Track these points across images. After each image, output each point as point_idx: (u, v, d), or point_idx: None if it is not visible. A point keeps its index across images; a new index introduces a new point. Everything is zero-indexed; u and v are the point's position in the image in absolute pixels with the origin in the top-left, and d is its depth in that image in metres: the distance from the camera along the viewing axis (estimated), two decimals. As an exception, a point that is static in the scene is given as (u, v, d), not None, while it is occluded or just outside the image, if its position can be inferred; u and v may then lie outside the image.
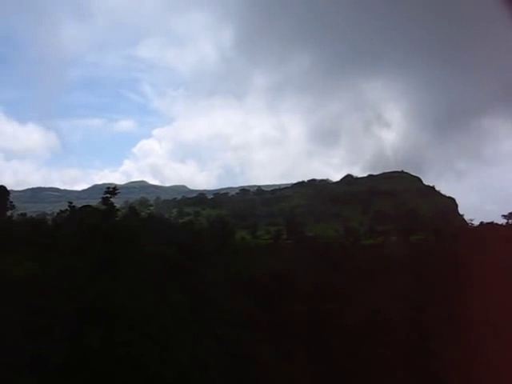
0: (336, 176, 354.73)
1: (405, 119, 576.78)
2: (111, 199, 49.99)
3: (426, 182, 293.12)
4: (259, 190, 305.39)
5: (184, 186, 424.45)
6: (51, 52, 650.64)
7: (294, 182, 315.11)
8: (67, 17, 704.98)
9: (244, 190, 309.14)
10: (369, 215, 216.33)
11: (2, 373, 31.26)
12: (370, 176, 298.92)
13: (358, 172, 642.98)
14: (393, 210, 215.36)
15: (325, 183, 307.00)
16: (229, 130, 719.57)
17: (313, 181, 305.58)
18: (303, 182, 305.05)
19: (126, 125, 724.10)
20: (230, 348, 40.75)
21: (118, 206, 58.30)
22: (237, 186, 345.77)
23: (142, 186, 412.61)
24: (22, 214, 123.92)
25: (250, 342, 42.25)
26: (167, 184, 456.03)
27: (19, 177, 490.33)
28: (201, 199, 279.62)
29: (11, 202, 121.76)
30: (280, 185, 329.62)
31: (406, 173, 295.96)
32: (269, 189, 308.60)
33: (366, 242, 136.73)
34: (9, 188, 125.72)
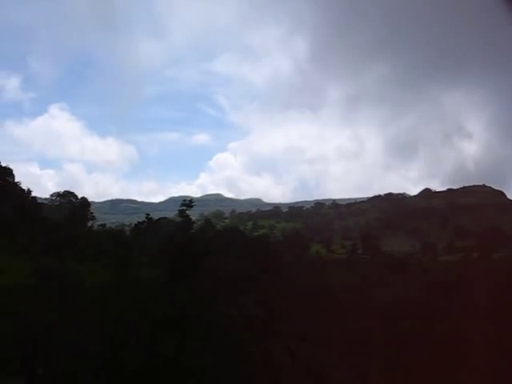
0: (413, 190, 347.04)
1: (487, 130, 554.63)
2: (187, 211, 50.91)
3: (509, 197, 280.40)
4: (334, 204, 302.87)
5: (259, 199, 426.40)
6: (129, 68, 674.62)
7: (370, 195, 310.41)
8: (144, 34, 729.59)
9: (319, 204, 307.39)
10: (448, 230, 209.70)
11: (81, 377, 32.42)
12: (450, 190, 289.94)
13: (437, 186, 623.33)
14: (473, 225, 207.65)
15: (402, 197, 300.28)
16: (304, 142, 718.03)
17: (390, 194, 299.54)
18: (379, 195, 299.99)
19: (202, 138, 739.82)
20: (303, 364, 40.46)
21: (193, 218, 59.33)
22: (312, 199, 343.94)
23: (218, 198, 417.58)
24: (101, 225, 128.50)
25: (323, 358, 41.80)
26: (242, 197, 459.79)
27: (99, 189, 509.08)
28: (276, 212, 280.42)
29: (92, 213, 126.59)
30: (356, 198, 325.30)
31: (488, 187, 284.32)
32: (344, 202, 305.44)
33: (444, 259, 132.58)
34: (90, 199, 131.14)
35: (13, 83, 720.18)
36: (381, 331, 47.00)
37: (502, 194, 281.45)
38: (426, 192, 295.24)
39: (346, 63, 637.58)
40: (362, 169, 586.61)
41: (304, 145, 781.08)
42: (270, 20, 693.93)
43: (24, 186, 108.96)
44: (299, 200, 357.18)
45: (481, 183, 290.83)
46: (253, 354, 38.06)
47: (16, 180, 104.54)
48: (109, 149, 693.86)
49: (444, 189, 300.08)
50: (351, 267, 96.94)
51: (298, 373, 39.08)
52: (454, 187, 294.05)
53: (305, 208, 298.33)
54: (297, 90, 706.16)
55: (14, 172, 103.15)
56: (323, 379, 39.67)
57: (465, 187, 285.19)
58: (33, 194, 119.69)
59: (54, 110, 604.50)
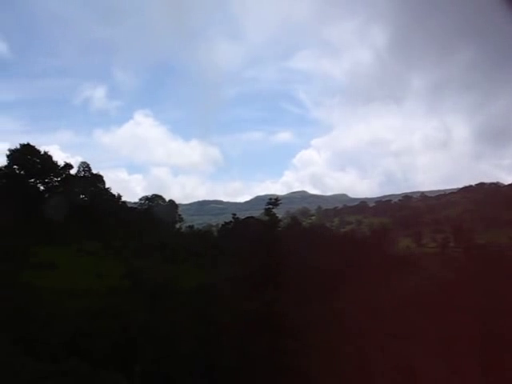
0: (508, 179, 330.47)
1: None
2: (273, 210, 51.09)
3: None
4: (423, 196, 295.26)
5: (345, 195, 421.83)
6: (209, 72, 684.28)
7: (461, 186, 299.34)
8: (221, 37, 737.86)
9: (407, 197, 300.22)
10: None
11: (175, 375, 33.17)
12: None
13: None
14: None
15: (495, 186, 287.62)
16: (389, 135, 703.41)
17: (481, 184, 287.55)
18: (471, 186, 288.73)
19: (285, 136, 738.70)
20: (396, 361, 39.51)
21: (279, 216, 59.44)
22: (399, 192, 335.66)
23: (303, 195, 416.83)
24: (189, 226, 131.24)
25: (417, 355, 40.64)
26: (328, 193, 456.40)
27: (186, 191, 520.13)
28: (362, 207, 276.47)
29: (180, 215, 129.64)
30: (445, 190, 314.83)
31: None
32: (433, 194, 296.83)
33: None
34: (177, 202, 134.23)
35: (99, 93, 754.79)
36: (478, 328, 45.09)
37: None
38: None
39: (429, 50, 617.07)
40: (451, 159, 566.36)
41: (389, 137, 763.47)
42: (346, 12, 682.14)
43: (114, 192, 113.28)
44: (386, 194, 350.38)
45: None
46: (345, 352, 37.58)
47: (107, 186, 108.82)
48: (193, 151, 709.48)
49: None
50: (444, 261, 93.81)
51: (391, 370, 38.22)
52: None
53: (392, 202, 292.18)
54: (379, 81, 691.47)
55: (104, 178, 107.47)
56: (417, 377, 38.57)
57: None
58: (123, 199, 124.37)
59: (139, 116, 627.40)
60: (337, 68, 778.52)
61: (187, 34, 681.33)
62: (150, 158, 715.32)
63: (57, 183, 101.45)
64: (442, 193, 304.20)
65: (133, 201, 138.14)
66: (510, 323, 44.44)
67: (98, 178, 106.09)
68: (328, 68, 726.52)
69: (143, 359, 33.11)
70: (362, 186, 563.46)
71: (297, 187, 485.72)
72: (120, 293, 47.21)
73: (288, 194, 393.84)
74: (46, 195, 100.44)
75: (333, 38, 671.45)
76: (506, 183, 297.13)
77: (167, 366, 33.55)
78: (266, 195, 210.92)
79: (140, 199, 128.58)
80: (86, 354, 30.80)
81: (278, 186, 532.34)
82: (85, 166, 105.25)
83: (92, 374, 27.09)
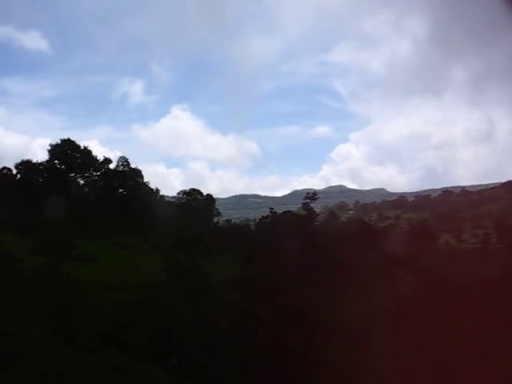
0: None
1: None
2: (311, 204, 50.82)
3: None
4: (464, 191, 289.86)
5: (383, 189, 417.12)
6: (246, 66, 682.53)
7: (504, 180, 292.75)
8: (257, 31, 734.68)
9: (447, 192, 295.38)
10: None
11: (211, 368, 33.28)
12: None
13: None
14: None
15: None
16: (428, 128, 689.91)
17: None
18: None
19: (322, 130, 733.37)
20: (435, 358, 38.83)
21: (317, 210, 59.20)
22: (439, 187, 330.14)
23: (341, 190, 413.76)
24: (227, 220, 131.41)
25: (456, 353, 39.88)
26: (366, 187, 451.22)
27: (224, 185, 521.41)
28: (401, 202, 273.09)
29: (217, 209, 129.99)
30: (487, 184, 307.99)
31: None
32: (475, 189, 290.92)
33: None
34: (215, 196, 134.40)
35: (137, 89, 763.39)
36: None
37: None
38: None
39: (469, 41, 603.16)
40: (494, 152, 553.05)
41: (429, 131, 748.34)
42: (383, 4, 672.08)
43: (152, 186, 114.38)
44: (426, 188, 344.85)
45: None
46: (381, 348, 37.13)
47: (145, 180, 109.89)
48: (230, 146, 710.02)
49: None
50: (485, 258, 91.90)
51: (430, 369, 37.59)
52: None
53: (432, 196, 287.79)
54: (418, 74, 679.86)
55: (142, 173, 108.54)
56: (456, 376, 37.83)
57: None
58: (161, 193, 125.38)
59: (176, 111, 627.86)
60: (375, 61, 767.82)
61: (223, 28, 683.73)
62: (187, 153, 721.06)
63: (96, 177, 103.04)
64: (484, 187, 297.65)
65: (171, 195, 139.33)
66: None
67: (137, 173, 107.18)
68: (366, 61, 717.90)
69: (180, 352, 33.28)
70: (400, 180, 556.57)
71: (335, 181, 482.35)
72: (157, 286, 47.58)
73: (326, 189, 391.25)
74: (86, 189, 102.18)
75: (370, 31, 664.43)
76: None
77: (203, 360, 33.67)
78: (303, 189, 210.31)
79: (178, 193, 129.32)
80: (124, 346, 31.14)
81: (315, 181, 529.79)
82: (123, 161, 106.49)
83: (130, 366, 27.35)
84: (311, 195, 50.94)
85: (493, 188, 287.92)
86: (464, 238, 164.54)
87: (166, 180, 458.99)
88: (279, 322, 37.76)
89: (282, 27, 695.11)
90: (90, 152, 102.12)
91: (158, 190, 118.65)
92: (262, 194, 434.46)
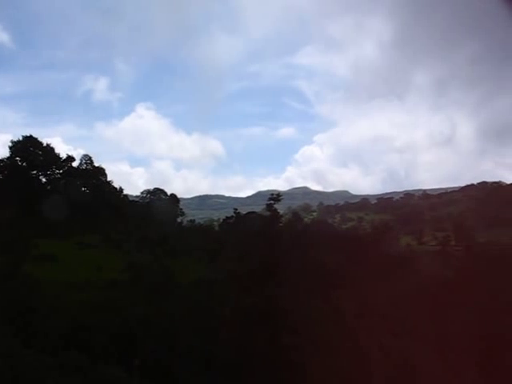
0: (510, 177, 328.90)
1: None
2: (275, 205, 50.97)
3: None
4: (425, 194, 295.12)
5: (346, 191, 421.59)
6: (211, 66, 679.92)
7: (463, 184, 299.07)
8: (222, 31, 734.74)
9: (409, 194, 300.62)
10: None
11: (174, 368, 33.17)
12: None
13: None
14: None
15: (497, 186, 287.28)
16: (392, 131, 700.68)
17: (484, 183, 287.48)
18: (473, 184, 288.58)
19: (287, 132, 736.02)
20: (395, 358, 39.48)
21: (281, 211, 59.35)
22: (401, 190, 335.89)
23: (305, 191, 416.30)
24: (191, 221, 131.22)
25: (415, 353, 40.61)
26: (330, 189, 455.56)
27: (188, 185, 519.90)
28: (364, 204, 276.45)
29: (181, 209, 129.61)
30: (447, 188, 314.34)
31: None
32: (435, 192, 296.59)
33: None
34: (179, 196, 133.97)
35: (101, 86, 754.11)
36: (478, 327, 45.01)
37: None
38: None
39: (433, 46, 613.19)
40: (454, 156, 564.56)
41: (392, 134, 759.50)
42: (348, 6, 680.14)
43: (116, 185, 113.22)
44: (388, 191, 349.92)
45: None
46: (344, 349, 37.55)
47: (108, 179, 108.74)
48: (195, 145, 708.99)
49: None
50: (444, 259, 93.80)
51: (390, 368, 38.19)
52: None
53: (394, 199, 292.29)
54: (382, 77, 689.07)
55: (106, 171, 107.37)
56: (416, 375, 38.54)
57: None
58: (124, 192, 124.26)
59: (141, 109, 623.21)
60: (340, 63, 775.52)
61: (188, 27, 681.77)
62: (151, 152, 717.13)
63: (59, 176, 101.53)
64: (444, 191, 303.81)
65: (134, 194, 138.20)
66: (510, 322, 44.35)
67: (100, 171, 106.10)
68: (331, 63, 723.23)
69: (142, 353, 33.11)
70: (364, 182, 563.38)
71: (299, 183, 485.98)
72: (120, 286, 47.23)
73: (290, 190, 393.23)
74: (48, 187, 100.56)
75: (336, 33, 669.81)
76: (508, 182, 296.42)
77: (166, 361, 33.56)
78: (267, 190, 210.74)
79: (142, 193, 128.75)
80: (86, 347, 30.83)
81: (280, 182, 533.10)
82: (87, 159, 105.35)
83: (91, 367, 27.10)
84: (275, 196, 50.99)
85: (452, 192, 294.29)
86: (424, 241, 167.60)
87: (130, 179, 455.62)
88: (243, 322, 37.85)
89: (248, 28, 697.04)
90: (52, 149, 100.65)
91: (121, 189, 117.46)
92: (227, 194, 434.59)
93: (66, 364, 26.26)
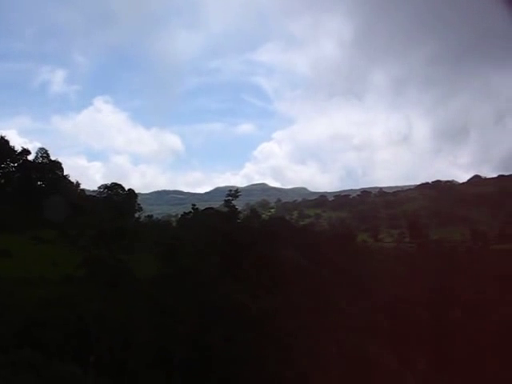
0: (463, 176, 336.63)
1: None
2: (233, 201, 51.20)
3: None
4: (381, 192, 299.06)
5: (305, 188, 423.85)
6: (171, 61, 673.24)
7: (418, 183, 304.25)
8: (182, 26, 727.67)
9: (365, 192, 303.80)
10: (499, 218, 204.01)
11: (131, 365, 33.05)
12: (501, 176, 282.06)
13: (488, 172, 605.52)
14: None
15: (450, 184, 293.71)
16: (350, 129, 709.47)
17: (438, 182, 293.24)
18: (427, 183, 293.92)
19: (246, 128, 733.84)
20: (350, 352, 40.23)
21: (239, 208, 59.65)
22: (358, 187, 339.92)
23: (263, 188, 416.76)
24: (148, 216, 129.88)
25: (370, 347, 41.47)
26: (288, 186, 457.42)
27: (146, 180, 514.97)
28: (322, 201, 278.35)
29: (139, 205, 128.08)
30: (403, 186, 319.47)
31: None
32: (391, 190, 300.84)
33: (496, 247, 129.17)
34: (136, 191, 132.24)
35: (58, 78, 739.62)
36: (429, 321, 46.29)
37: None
38: (476, 179, 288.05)
39: (392, 45, 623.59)
40: (410, 155, 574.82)
41: (350, 132, 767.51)
42: (309, 5, 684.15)
43: (73, 179, 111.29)
44: (345, 188, 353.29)
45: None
46: (299, 343, 38.06)
47: (65, 173, 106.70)
48: (154, 140, 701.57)
49: (495, 175, 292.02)
50: (398, 256, 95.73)
51: (344, 361, 38.91)
52: (506, 173, 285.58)
53: (351, 196, 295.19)
54: (341, 76, 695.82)
55: (62, 165, 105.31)
56: (370, 368, 39.37)
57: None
58: (81, 187, 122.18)
59: (99, 102, 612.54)
60: (300, 61, 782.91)
61: (147, 21, 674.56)
62: (109, 146, 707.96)
63: (13, 169, 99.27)
64: (400, 189, 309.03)
65: (92, 189, 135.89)
66: (459, 316, 45.76)
67: (57, 165, 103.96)
68: (291, 61, 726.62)
69: (98, 349, 32.87)
70: (321, 179, 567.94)
71: (257, 179, 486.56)
72: (75, 282, 46.59)
73: (248, 186, 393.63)
74: (2, 181, 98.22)
75: (296, 31, 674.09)
76: (461, 181, 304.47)
77: (122, 356, 33.40)
78: (226, 187, 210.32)
79: (99, 187, 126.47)
80: (40, 345, 30.41)
81: (238, 178, 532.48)
82: (43, 152, 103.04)
83: (45, 365, 26.78)
84: (233, 192, 51.31)
85: (408, 190, 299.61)
86: (380, 237, 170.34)
87: (87, 173, 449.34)
88: (199, 318, 37.93)
89: (208, 23, 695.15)
90: (7, 142, 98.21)
91: (78, 184, 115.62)
92: (185, 190, 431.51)
93: (18, 362, 25.90)
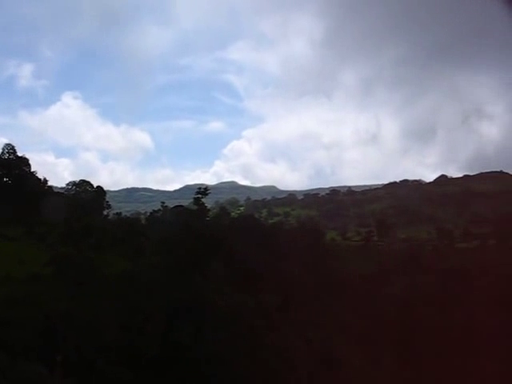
0: (430, 176, 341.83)
1: (509, 113, 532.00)
2: (202, 199, 51.06)
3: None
4: (349, 191, 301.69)
5: (274, 187, 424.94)
6: (141, 57, 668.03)
7: (386, 182, 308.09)
8: (152, 23, 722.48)
9: (334, 191, 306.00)
10: (464, 218, 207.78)
11: (98, 365, 32.76)
12: (466, 176, 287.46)
13: (454, 172, 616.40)
14: (490, 212, 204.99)
15: (417, 184, 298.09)
16: (319, 128, 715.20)
17: (405, 181, 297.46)
18: (395, 182, 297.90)
19: (216, 126, 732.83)
20: (319, 350, 40.56)
21: (208, 206, 59.52)
22: (327, 186, 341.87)
23: (233, 186, 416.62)
24: (117, 214, 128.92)
25: (338, 345, 41.87)
26: (257, 184, 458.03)
27: (115, 177, 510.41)
28: (291, 199, 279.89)
29: (107, 202, 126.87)
30: (371, 185, 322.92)
31: (506, 173, 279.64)
32: (359, 189, 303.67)
33: (460, 246, 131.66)
34: (105, 188, 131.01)
35: (24, 72, 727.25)
36: (396, 318, 46.95)
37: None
38: (442, 179, 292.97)
39: (361, 45, 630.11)
40: (378, 155, 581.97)
41: (319, 131, 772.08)
42: (279, 4, 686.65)
43: (40, 176, 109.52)
44: (314, 187, 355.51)
45: (499, 169, 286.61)
46: (268, 341, 38.22)
47: (32, 169, 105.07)
48: (123, 137, 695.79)
49: (461, 175, 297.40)
50: (366, 254, 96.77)
51: (313, 360, 39.21)
52: (471, 173, 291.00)
53: (320, 195, 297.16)
54: (311, 75, 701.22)
55: (30, 161, 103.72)
56: (338, 366, 39.77)
57: (482, 173, 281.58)
58: (49, 184, 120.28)
59: (67, 98, 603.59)
60: (270, 60, 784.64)
61: (117, 16, 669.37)
62: (78, 142, 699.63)
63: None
64: (368, 188, 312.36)
65: (59, 186, 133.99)
66: (427, 314, 46.51)
67: (24, 161, 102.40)
68: (261, 59, 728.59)
69: (65, 349, 32.48)
70: (291, 178, 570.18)
71: (227, 177, 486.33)
72: (42, 280, 45.99)
73: (218, 184, 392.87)
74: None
75: (267, 30, 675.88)
76: (428, 181, 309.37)
77: (90, 355, 33.09)
78: (195, 184, 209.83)
79: (67, 184, 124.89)
80: (4, 344, 29.95)
81: (207, 176, 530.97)
82: (9, 148, 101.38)
83: (10, 366, 26.36)
84: (203, 190, 51.19)
85: (376, 189, 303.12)
86: (349, 236, 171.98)
87: (55, 170, 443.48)
88: (168, 317, 37.81)
89: (179, 20, 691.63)
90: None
91: (45, 180, 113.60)
92: (154, 187, 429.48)
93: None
